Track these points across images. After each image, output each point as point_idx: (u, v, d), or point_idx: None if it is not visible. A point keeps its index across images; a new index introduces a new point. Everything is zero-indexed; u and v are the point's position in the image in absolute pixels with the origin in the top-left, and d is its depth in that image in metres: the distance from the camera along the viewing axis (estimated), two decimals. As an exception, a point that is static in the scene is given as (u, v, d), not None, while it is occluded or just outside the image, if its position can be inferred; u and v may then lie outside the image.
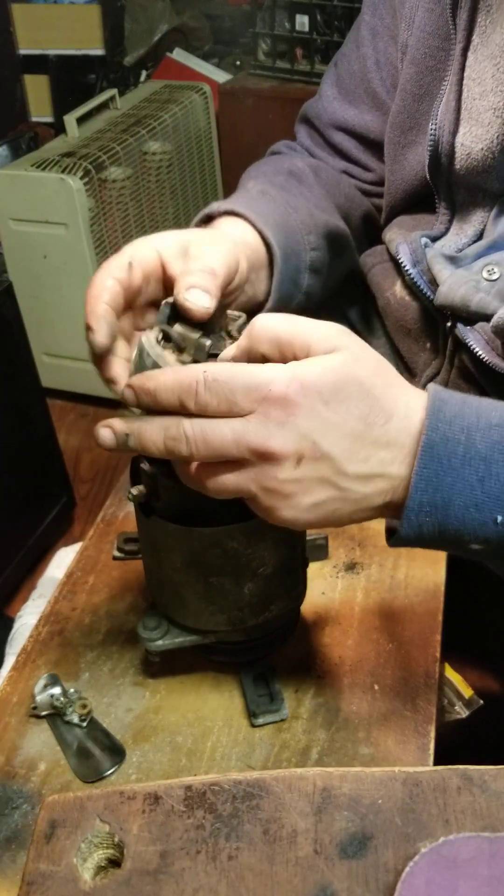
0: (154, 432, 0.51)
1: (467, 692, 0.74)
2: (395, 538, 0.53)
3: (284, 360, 0.50)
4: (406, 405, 0.50)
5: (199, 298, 0.55)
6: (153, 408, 0.51)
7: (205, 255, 0.59)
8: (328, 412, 0.48)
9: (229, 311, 0.58)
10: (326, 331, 0.50)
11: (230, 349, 0.54)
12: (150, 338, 0.55)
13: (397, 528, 0.52)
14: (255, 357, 0.51)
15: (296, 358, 0.50)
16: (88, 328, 0.57)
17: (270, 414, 0.48)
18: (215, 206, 0.72)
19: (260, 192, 0.78)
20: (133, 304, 0.61)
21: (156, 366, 0.54)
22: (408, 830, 0.46)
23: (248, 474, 0.50)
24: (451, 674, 0.75)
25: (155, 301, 0.62)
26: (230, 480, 0.50)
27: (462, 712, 0.74)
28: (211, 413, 0.49)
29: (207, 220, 0.73)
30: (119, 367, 0.59)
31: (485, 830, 0.45)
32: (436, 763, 0.62)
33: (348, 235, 0.87)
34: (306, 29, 2.22)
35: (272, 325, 0.50)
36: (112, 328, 0.57)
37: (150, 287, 0.61)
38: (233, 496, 0.52)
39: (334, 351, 0.49)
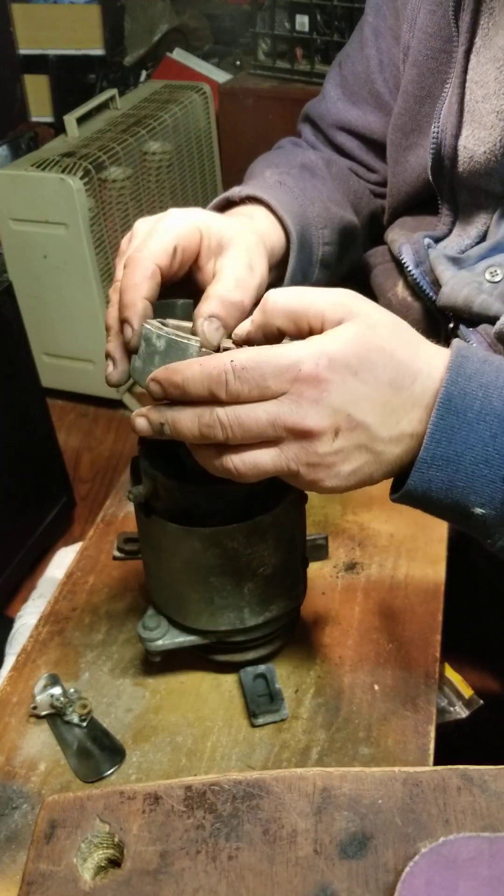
0: (188, 420, 0.51)
1: (467, 692, 0.74)
2: (401, 492, 0.53)
3: (300, 332, 0.51)
4: (428, 363, 0.51)
5: (213, 333, 0.57)
6: (182, 399, 0.51)
7: (234, 278, 0.60)
8: (358, 383, 0.49)
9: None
10: (336, 298, 0.50)
11: (244, 324, 0.55)
12: (153, 323, 0.55)
13: (407, 482, 0.52)
14: (270, 331, 0.52)
15: (311, 328, 0.50)
16: (126, 322, 0.56)
17: (303, 393, 0.48)
18: (236, 191, 0.72)
19: (277, 182, 0.78)
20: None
21: (170, 345, 0.53)
22: (408, 830, 0.46)
23: (288, 453, 0.50)
24: (451, 674, 0.75)
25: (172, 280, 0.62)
26: (267, 461, 0.50)
27: (462, 712, 0.74)
28: (244, 400, 0.49)
29: (226, 203, 0.73)
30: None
31: (485, 830, 0.45)
32: (436, 763, 0.62)
33: (359, 230, 0.87)
34: (306, 29, 2.22)
35: (284, 300, 0.51)
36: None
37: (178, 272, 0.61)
38: (269, 476, 0.52)
39: (348, 318, 0.50)
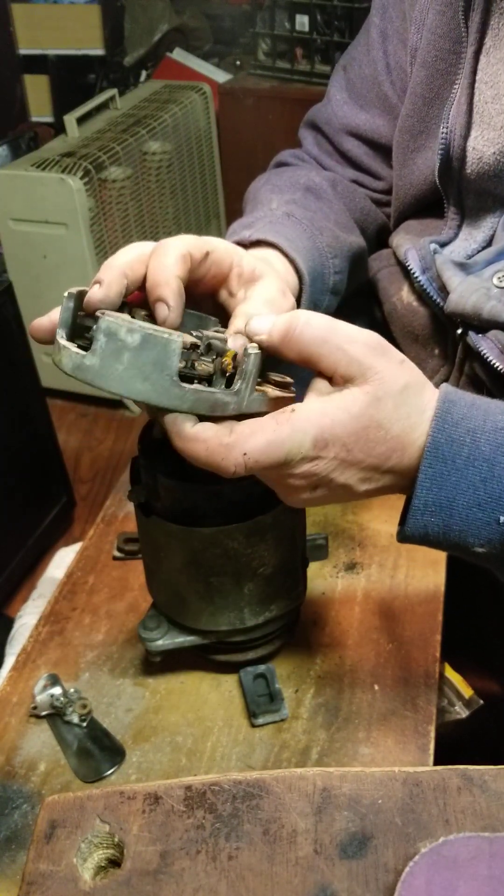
0: (200, 457, 0.51)
1: (467, 692, 0.74)
2: (401, 534, 0.54)
3: (310, 367, 0.51)
4: (422, 433, 0.52)
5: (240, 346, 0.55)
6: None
7: (265, 299, 0.59)
8: (349, 456, 0.50)
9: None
10: (354, 353, 0.50)
11: (264, 322, 0.52)
12: (118, 316, 0.49)
13: (403, 527, 0.53)
14: (283, 355, 0.52)
15: (321, 372, 0.51)
16: (161, 300, 0.53)
17: (299, 462, 0.50)
18: (245, 234, 0.70)
19: (285, 215, 0.77)
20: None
21: (146, 341, 0.47)
22: (408, 830, 0.46)
23: (268, 481, 0.53)
24: (451, 674, 0.75)
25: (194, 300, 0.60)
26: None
27: (462, 712, 0.74)
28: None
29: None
30: None
31: (485, 830, 0.45)
32: (436, 763, 0.62)
33: (366, 251, 0.87)
34: (306, 29, 2.22)
35: (307, 339, 0.50)
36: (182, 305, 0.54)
37: (198, 291, 0.59)
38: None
39: (358, 380, 0.50)
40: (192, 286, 0.57)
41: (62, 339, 0.50)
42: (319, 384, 0.51)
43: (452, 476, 0.51)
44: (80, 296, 0.52)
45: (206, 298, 0.61)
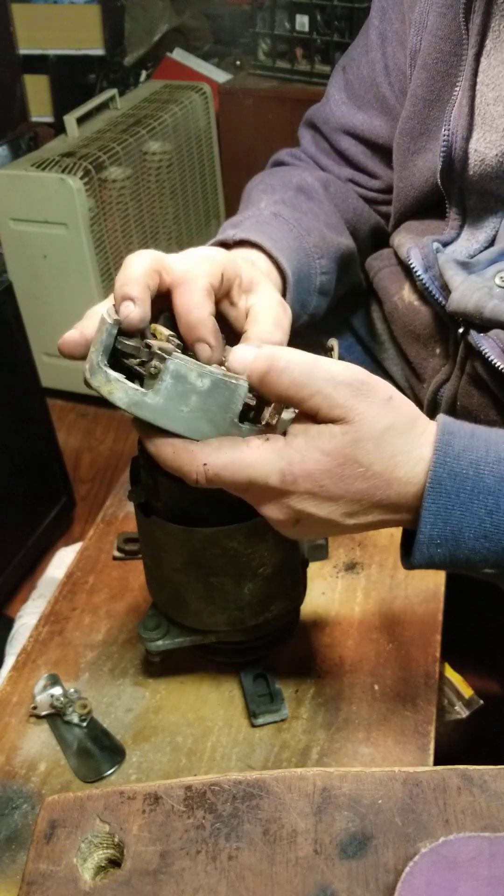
0: (167, 459, 0.52)
1: (467, 692, 0.74)
2: (408, 563, 0.54)
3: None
4: (408, 472, 0.50)
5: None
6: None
7: (272, 318, 0.60)
8: (323, 492, 0.50)
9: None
10: (337, 397, 0.49)
11: (242, 361, 0.51)
12: (188, 359, 0.50)
13: (410, 559, 0.53)
14: (262, 391, 0.51)
15: (304, 412, 0.50)
16: (202, 341, 0.53)
17: (266, 495, 0.51)
18: (230, 234, 0.71)
19: (273, 214, 0.77)
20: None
21: (216, 386, 0.49)
22: (408, 830, 0.46)
23: (251, 503, 0.53)
24: (451, 674, 0.75)
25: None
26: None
27: (462, 712, 0.74)
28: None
29: (221, 246, 0.71)
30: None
31: (485, 830, 0.45)
32: (436, 763, 0.62)
33: (356, 253, 0.87)
34: (306, 29, 2.22)
35: (287, 381, 0.49)
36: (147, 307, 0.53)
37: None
38: None
39: (341, 421, 0.49)
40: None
41: (109, 370, 0.51)
42: (304, 417, 0.51)
43: (457, 510, 0.50)
44: (117, 322, 0.52)
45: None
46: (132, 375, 0.51)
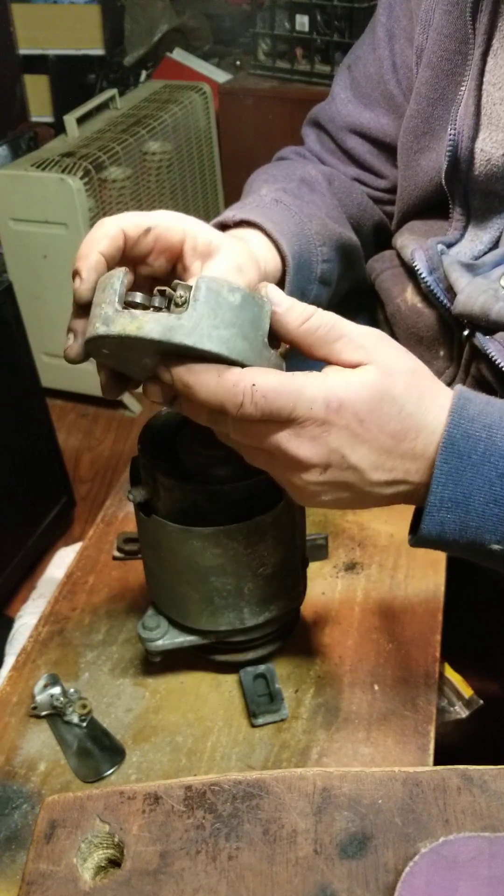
0: (201, 413, 0.52)
1: (467, 692, 0.74)
2: (417, 536, 0.53)
3: (313, 356, 0.51)
4: (436, 418, 0.51)
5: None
6: (182, 394, 0.51)
7: (220, 273, 0.59)
8: (362, 429, 0.50)
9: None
10: (363, 340, 0.51)
11: (282, 297, 0.51)
12: (217, 278, 0.49)
13: (420, 526, 0.52)
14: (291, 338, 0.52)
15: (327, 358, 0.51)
16: (76, 274, 0.56)
17: (306, 427, 0.49)
18: (230, 215, 0.71)
19: (274, 200, 0.76)
20: (135, 271, 0.60)
21: (246, 301, 0.49)
22: (408, 830, 0.46)
23: (278, 467, 0.52)
24: (451, 674, 0.75)
25: (154, 276, 0.61)
26: (262, 462, 0.53)
27: (462, 712, 0.74)
28: (247, 421, 0.50)
29: (221, 227, 0.71)
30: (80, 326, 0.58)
31: (485, 830, 0.45)
32: (436, 763, 0.62)
33: (359, 248, 0.86)
34: (306, 29, 2.22)
35: (315, 324, 0.50)
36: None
37: (158, 263, 0.60)
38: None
39: (367, 362, 0.50)
40: (139, 262, 0.59)
41: (131, 308, 0.49)
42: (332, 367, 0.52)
43: (468, 471, 0.50)
44: (127, 272, 0.52)
45: (166, 275, 0.61)
46: None
